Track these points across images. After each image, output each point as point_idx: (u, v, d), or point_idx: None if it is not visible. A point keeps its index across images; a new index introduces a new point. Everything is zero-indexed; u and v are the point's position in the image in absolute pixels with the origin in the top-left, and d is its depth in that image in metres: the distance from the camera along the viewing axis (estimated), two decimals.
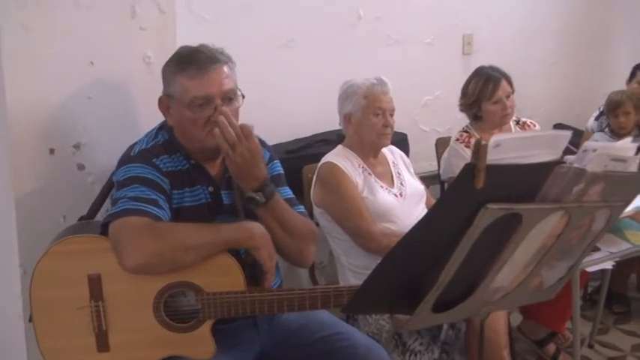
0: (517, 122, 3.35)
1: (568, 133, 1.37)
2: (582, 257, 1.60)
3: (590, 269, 2.79)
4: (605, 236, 2.90)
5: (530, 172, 1.29)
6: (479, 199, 1.18)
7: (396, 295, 1.32)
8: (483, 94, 3.18)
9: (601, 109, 4.02)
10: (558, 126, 4.68)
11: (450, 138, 3.40)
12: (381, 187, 2.67)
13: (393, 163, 2.82)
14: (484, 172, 1.12)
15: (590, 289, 3.97)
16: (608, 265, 2.87)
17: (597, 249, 2.84)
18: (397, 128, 3.06)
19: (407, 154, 3.11)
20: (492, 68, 3.27)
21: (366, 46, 3.68)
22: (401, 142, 3.34)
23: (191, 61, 1.94)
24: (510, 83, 3.24)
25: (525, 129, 3.32)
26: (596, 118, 4.09)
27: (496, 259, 1.35)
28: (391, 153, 2.85)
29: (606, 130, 3.92)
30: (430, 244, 1.26)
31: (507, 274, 1.40)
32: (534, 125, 3.36)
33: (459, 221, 1.21)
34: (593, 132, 4.02)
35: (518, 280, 1.46)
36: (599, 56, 5.10)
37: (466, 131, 3.27)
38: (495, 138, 1.17)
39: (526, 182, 1.29)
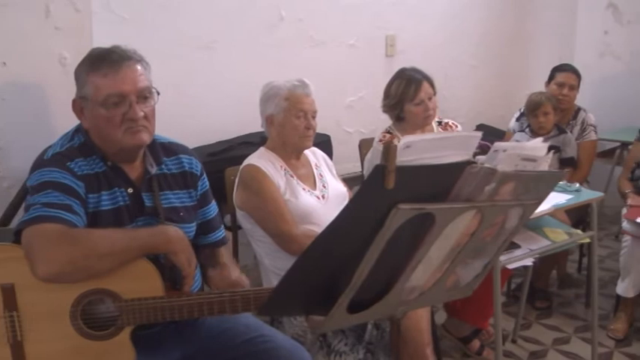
0: (439, 123, 3.44)
1: (478, 134, 1.43)
2: (497, 254, 1.66)
3: (511, 266, 2.89)
4: (525, 234, 3.06)
5: (441, 173, 1.33)
6: (390, 199, 1.22)
7: (311, 296, 1.34)
8: (406, 95, 3.25)
9: (522, 110, 4.16)
10: (481, 127, 4.82)
11: (374, 139, 3.45)
12: (303, 189, 2.70)
13: (316, 165, 2.85)
14: (394, 173, 1.16)
15: (513, 286, 4.10)
16: (529, 262, 2.98)
17: (517, 246, 2.95)
18: (321, 130, 3.10)
19: (330, 155, 3.15)
20: (414, 70, 3.34)
21: (288, 47, 3.71)
22: (324, 143, 3.38)
23: (104, 60, 1.92)
24: (432, 85, 3.31)
25: (447, 130, 3.41)
26: (517, 119, 4.23)
27: (411, 258, 1.40)
28: (314, 155, 2.89)
29: (527, 130, 4.06)
30: (343, 244, 1.29)
31: (422, 273, 1.45)
32: (456, 126, 3.45)
33: (372, 222, 1.25)
34: (515, 132, 4.16)
35: (434, 279, 1.51)
36: (519, 59, 5.29)
37: (389, 132, 3.34)
38: (405, 140, 1.21)
39: (438, 182, 1.34)
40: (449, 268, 1.51)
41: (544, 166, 1.56)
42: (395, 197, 1.22)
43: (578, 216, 3.71)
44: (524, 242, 2.99)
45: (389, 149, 1.14)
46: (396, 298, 1.44)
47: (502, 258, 2.82)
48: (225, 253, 2.28)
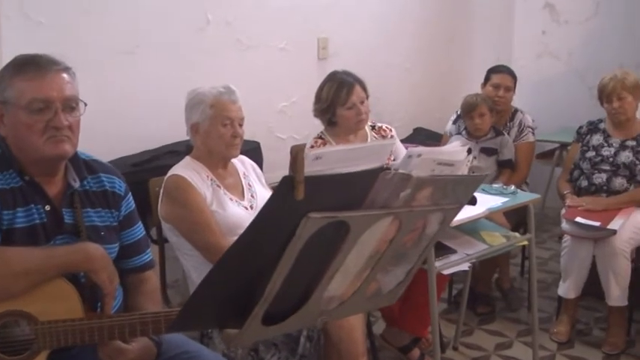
0: (373, 127, 3.49)
1: (392, 142, 1.48)
2: (420, 260, 1.70)
3: (446, 272, 2.95)
4: (461, 238, 3.13)
5: (354, 181, 1.37)
6: (301, 209, 1.24)
7: (225, 308, 1.36)
8: (337, 99, 3.29)
9: (458, 113, 4.25)
10: (418, 130, 4.91)
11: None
12: (231, 199, 2.71)
13: (244, 174, 2.86)
14: (303, 183, 1.19)
15: (455, 292, 4.18)
16: (465, 266, 3.06)
17: (453, 251, 3.02)
18: (251, 136, 3.12)
19: (260, 163, 3.17)
20: (346, 73, 3.39)
21: (216, 51, 3.71)
22: (253, 151, 3.39)
23: (30, 64, 1.90)
24: (364, 88, 3.36)
25: (381, 134, 3.46)
26: (454, 122, 4.33)
27: (327, 268, 1.42)
28: (242, 163, 2.90)
29: (463, 132, 4.16)
30: (256, 256, 1.31)
31: (340, 282, 1.48)
32: (390, 130, 3.51)
33: (284, 232, 1.27)
34: (451, 135, 4.25)
35: (353, 288, 1.54)
36: (456, 60, 5.40)
37: (321, 137, 3.38)
38: (316, 151, 1.25)
39: (352, 190, 1.37)
40: (369, 276, 1.54)
41: (463, 170, 1.61)
42: (306, 207, 1.25)
43: (517, 219, 3.81)
44: (460, 247, 3.07)
45: (296, 160, 1.17)
46: (314, 309, 1.47)
47: (437, 264, 2.88)
48: (152, 295, 2.20)
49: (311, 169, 1.23)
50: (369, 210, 1.38)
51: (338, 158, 1.32)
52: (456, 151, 1.57)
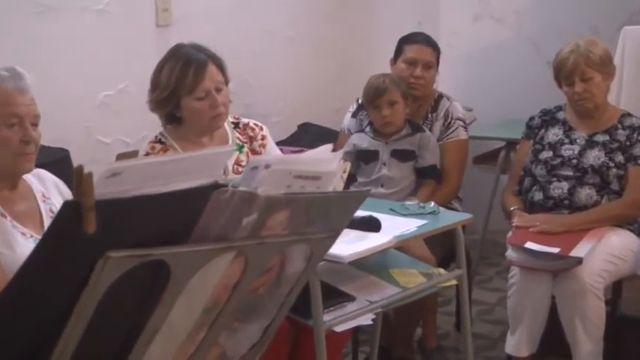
0: (236, 125, 3.53)
1: (230, 149, 1.54)
2: (282, 312, 1.77)
3: (339, 328, 3.01)
4: (363, 279, 3.22)
5: (175, 204, 1.43)
6: (96, 246, 1.29)
7: None
8: (182, 85, 3.31)
9: (360, 102, 4.35)
10: (305, 127, 4.99)
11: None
12: (23, 234, 2.69)
13: (43, 196, 2.85)
14: (93, 211, 1.24)
15: (363, 358, 4.24)
16: (367, 319, 3.13)
17: (351, 298, 3.10)
18: (56, 142, 3.11)
19: (71, 179, 3.15)
20: (196, 47, 3.41)
21: (2, 17, 3.67)
22: (59, 163, 3.38)
23: None
24: (223, 69, 3.40)
25: (248, 134, 3.51)
26: (354, 114, 4.43)
27: (143, 327, 1.48)
28: (40, 181, 2.88)
29: (367, 129, 4.25)
30: (38, 310, 1.35)
31: (164, 346, 1.53)
32: (261, 128, 3.56)
33: (76, 279, 1.32)
34: (351, 133, 4.33)
35: (185, 355, 1.60)
36: (360, 28, 5.50)
37: (160, 141, 3.40)
38: (111, 166, 1.29)
39: (173, 217, 1.43)
40: (206, 337, 1.60)
41: (335, 185, 1.69)
42: (103, 243, 1.30)
43: (447, 249, 3.86)
44: (361, 292, 3.15)
45: (81, 180, 1.21)
46: None
47: (327, 317, 2.95)
48: None
49: (106, 190, 1.28)
50: (199, 244, 1.44)
51: (150, 174, 1.36)
52: (323, 158, 1.64)
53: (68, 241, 1.27)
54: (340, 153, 1.72)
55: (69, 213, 1.25)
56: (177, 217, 1.44)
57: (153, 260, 1.39)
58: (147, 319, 1.47)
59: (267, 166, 1.52)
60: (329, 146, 1.77)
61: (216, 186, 1.45)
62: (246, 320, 1.68)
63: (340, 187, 1.68)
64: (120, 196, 1.32)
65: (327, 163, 1.67)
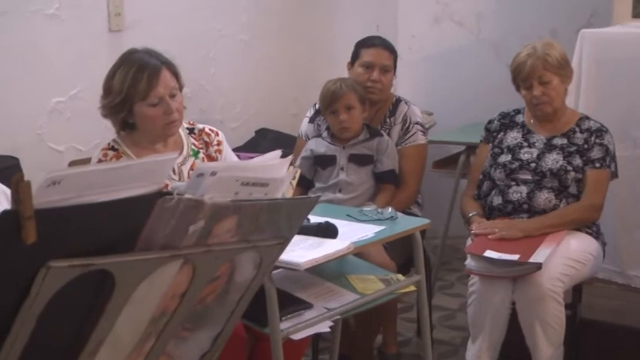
0: (191, 131, 3.53)
1: (173, 156, 1.54)
2: (233, 321, 1.78)
3: (297, 336, 3.02)
4: (320, 286, 3.23)
5: (118, 212, 1.42)
6: (36, 256, 1.29)
7: None
8: (135, 91, 3.29)
9: (317, 107, 4.37)
10: (262, 132, 4.99)
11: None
12: None
13: None
14: (33, 220, 1.23)
15: None
16: (325, 326, 3.14)
17: (308, 305, 3.11)
18: (5, 150, 3.09)
19: None
20: (149, 52, 3.41)
21: None
22: (8, 171, 3.36)
23: None
24: (177, 75, 3.39)
25: (204, 139, 3.51)
26: (311, 120, 4.46)
27: (88, 337, 1.48)
28: None
29: (325, 134, 4.27)
30: None
31: (110, 357, 1.53)
32: (217, 134, 3.56)
33: (16, 290, 1.31)
34: (309, 138, 4.35)
35: None
36: (319, 30, 5.50)
37: (113, 148, 3.39)
38: (51, 175, 1.29)
39: (117, 226, 1.43)
40: (154, 347, 1.60)
41: (284, 191, 1.69)
42: (43, 253, 1.30)
43: (407, 254, 3.87)
44: (318, 299, 3.16)
45: (19, 188, 1.21)
46: None
47: (284, 325, 2.96)
48: None
49: (46, 199, 1.27)
50: (144, 253, 1.44)
51: (91, 182, 1.36)
52: (271, 165, 1.65)
53: (7, 252, 1.27)
54: (289, 159, 1.73)
55: (7, 223, 1.25)
56: (121, 225, 1.44)
57: (97, 270, 1.39)
58: (92, 329, 1.47)
59: (213, 174, 1.52)
60: (278, 152, 1.78)
61: (160, 194, 1.45)
62: (195, 329, 1.69)
63: (290, 193, 1.70)
64: (60, 205, 1.32)
65: (275, 169, 1.68)
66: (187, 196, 1.49)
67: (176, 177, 3.32)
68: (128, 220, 1.44)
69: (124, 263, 1.41)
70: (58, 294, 1.36)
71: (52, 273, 1.30)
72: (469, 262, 3.77)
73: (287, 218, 1.71)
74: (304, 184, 4.18)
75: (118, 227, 1.43)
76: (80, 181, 1.36)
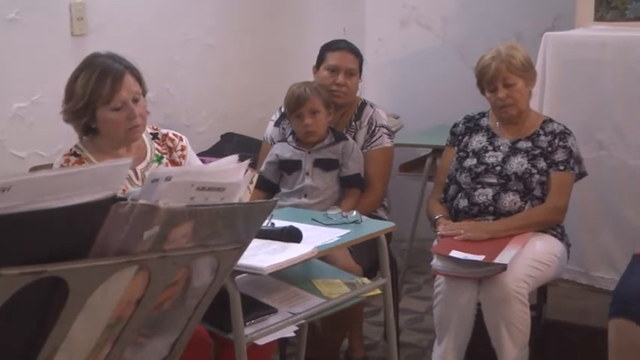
0: (155, 136, 3.53)
1: (127, 162, 1.53)
2: (191, 326, 1.77)
3: (261, 341, 3.02)
4: (285, 291, 3.23)
5: (71, 218, 1.42)
6: None
7: None
8: (98, 95, 3.28)
9: (282, 111, 4.37)
10: (228, 137, 4.99)
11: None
12: None
13: None
14: None
15: None
16: (289, 331, 3.14)
17: (272, 310, 3.11)
18: None
19: None
20: (112, 57, 3.40)
21: None
22: None
23: None
24: (139, 79, 3.39)
25: (167, 145, 3.51)
26: (277, 123, 4.46)
27: (43, 344, 1.47)
28: None
29: (290, 138, 4.27)
30: None
31: None
32: (181, 139, 3.56)
33: None
34: (274, 142, 4.35)
35: None
36: (285, 34, 5.50)
37: (75, 154, 3.37)
38: (2, 181, 1.28)
39: (70, 232, 1.42)
40: (110, 353, 1.60)
41: (240, 196, 1.69)
42: None
43: (373, 258, 3.88)
44: (283, 303, 3.17)
45: None
46: None
47: (248, 330, 2.96)
48: None
49: None
50: (97, 259, 1.44)
51: (42, 188, 1.35)
52: (228, 169, 1.64)
53: None
54: (246, 163, 1.73)
55: None
56: (75, 232, 1.43)
57: (50, 277, 1.38)
58: (46, 336, 1.47)
59: (168, 179, 1.52)
60: (235, 157, 1.78)
61: (114, 199, 1.45)
62: (152, 335, 1.68)
63: (247, 197, 1.70)
64: (8, 211, 1.31)
65: (232, 173, 1.68)
66: (142, 201, 1.48)
67: (139, 182, 3.31)
68: (81, 226, 1.43)
69: (76, 270, 1.40)
70: (11, 301, 1.35)
71: (2, 281, 1.29)
72: (435, 262, 3.81)
73: (244, 223, 1.71)
74: (270, 188, 4.20)
75: (71, 234, 1.42)
76: (30, 187, 1.35)
